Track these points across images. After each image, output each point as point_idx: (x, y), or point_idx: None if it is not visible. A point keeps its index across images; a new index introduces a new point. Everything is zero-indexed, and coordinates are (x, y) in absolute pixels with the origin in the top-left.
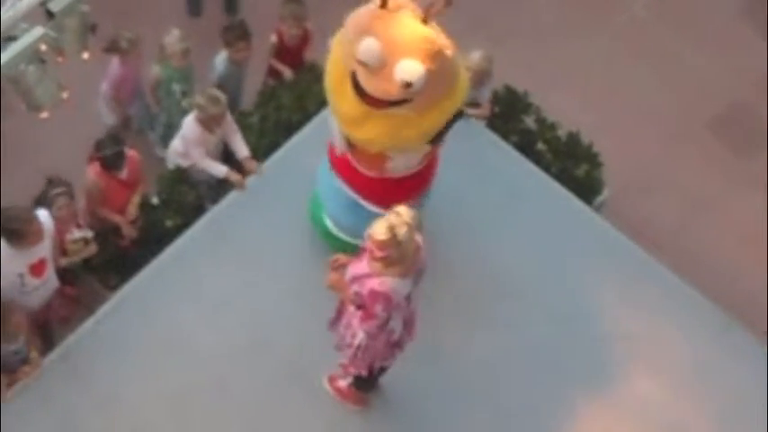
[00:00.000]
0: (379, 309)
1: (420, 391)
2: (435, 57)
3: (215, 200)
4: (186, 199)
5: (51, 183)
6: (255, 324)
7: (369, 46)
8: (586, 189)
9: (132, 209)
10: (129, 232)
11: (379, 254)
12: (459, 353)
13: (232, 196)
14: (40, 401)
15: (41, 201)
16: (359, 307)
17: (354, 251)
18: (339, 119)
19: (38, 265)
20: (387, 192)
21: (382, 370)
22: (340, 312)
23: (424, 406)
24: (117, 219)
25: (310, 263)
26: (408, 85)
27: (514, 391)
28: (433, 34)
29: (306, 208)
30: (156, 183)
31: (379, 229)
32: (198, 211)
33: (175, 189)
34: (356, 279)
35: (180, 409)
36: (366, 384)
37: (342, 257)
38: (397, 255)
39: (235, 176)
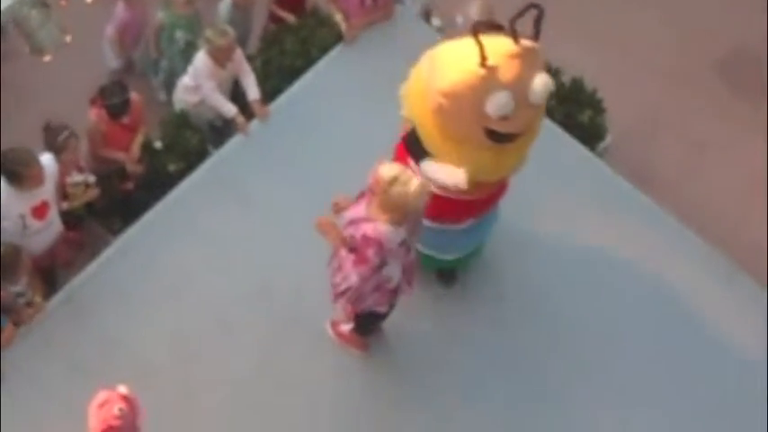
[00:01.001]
0: (371, 253)
1: (422, 336)
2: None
3: (218, 144)
4: (189, 143)
5: (49, 128)
6: (258, 268)
7: (500, 101)
8: (590, 135)
9: (135, 149)
10: (134, 169)
11: (378, 193)
12: (461, 298)
13: (235, 141)
14: (44, 344)
15: (52, 145)
16: (351, 250)
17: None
18: (470, 169)
19: (40, 208)
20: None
21: (383, 316)
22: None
23: (426, 351)
24: (120, 156)
25: (312, 208)
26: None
27: (518, 333)
28: (528, 42)
29: (307, 152)
30: (160, 127)
31: (387, 170)
32: (201, 155)
33: (179, 133)
34: (353, 222)
35: (183, 350)
36: (367, 329)
37: (342, 201)
38: (393, 204)
39: (241, 119)
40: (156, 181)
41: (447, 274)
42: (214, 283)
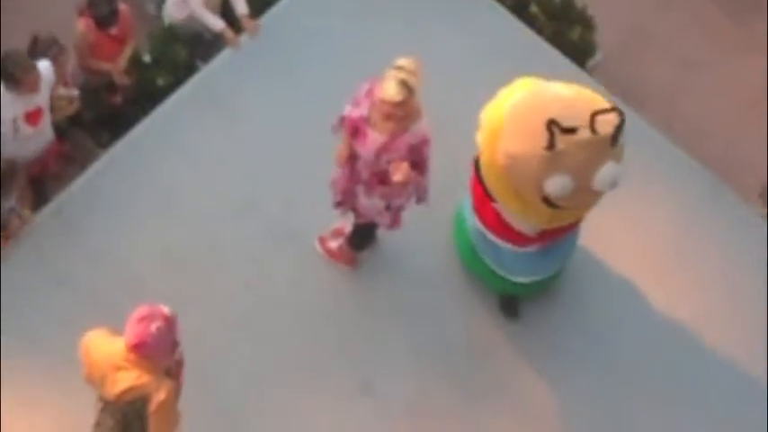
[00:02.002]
0: (428, 152)
1: (411, 249)
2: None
3: (207, 59)
4: (178, 57)
5: (38, 42)
6: (246, 183)
7: (559, 184)
8: (580, 52)
9: (123, 60)
10: (121, 80)
11: (400, 113)
12: (451, 212)
13: (224, 55)
14: (33, 256)
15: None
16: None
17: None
18: (524, 216)
19: (34, 114)
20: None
21: (375, 226)
22: (350, 191)
23: (416, 265)
24: (107, 67)
25: (302, 123)
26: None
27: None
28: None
29: (297, 67)
30: (148, 40)
31: (392, 90)
32: (190, 69)
33: (167, 47)
34: (382, 151)
35: (171, 264)
36: (365, 243)
37: (343, 152)
38: (412, 106)
39: (230, 33)
40: (144, 95)
41: (508, 304)
42: (202, 198)
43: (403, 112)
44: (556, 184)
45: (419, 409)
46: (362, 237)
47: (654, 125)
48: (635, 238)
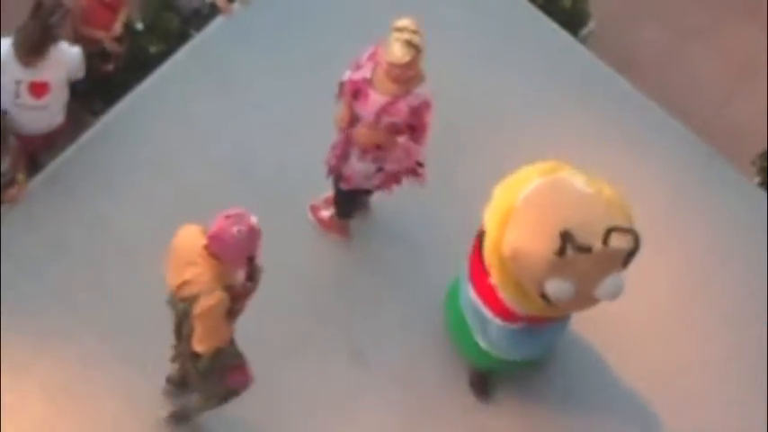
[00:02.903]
0: (429, 117)
1: (406, 220)
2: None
3: (199, 26)
4: (171, 25)
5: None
6: (239, 151)
7: (560, 288)
8: (573, 20)
9: (117, 27)
10: (114, 48)
11: (410, 72)
12: (443, 183)
13: (217, 23)
14: (26, 224)
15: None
16: (399, 132)
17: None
18: (524, 308)
19: (39, 86)
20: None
21: (368, 192)
22: (344, 154)
23: (411, 234)
24: (100, 35)
25: (295, 90)
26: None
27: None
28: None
29: (290, 35)
30: (141, 8)
31: (399, 52)
32: (182, 37)
33: (160, 15)
34: (383, 112)
35: (164, 232)
36: (349, 210)
37: (345, 112)
38: (419, 65)
39: (222, 2)
40: (136, 62)
41: (479, 383)
42: (195, 166)
43: (412, 72)
44: (557, 288)
45: (410, 379)
46: (345, 203)
47: (647, 93)
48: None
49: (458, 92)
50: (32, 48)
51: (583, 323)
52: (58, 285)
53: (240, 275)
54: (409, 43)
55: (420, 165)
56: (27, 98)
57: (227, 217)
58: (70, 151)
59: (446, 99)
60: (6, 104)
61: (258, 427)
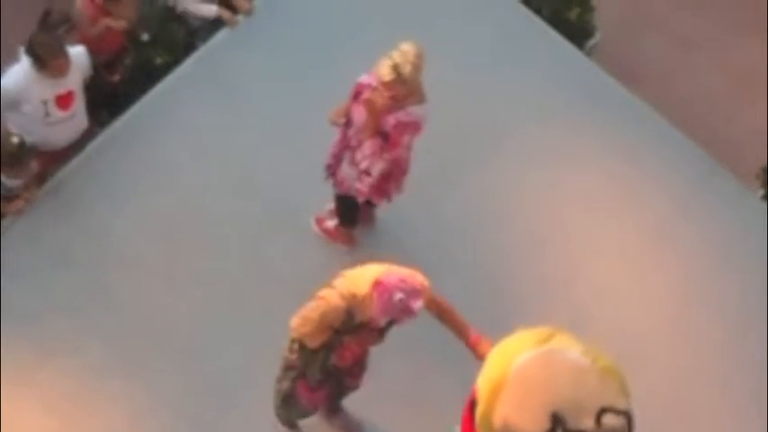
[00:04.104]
0: (406, 139)
1: (411, 228)
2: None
3: (205, 38)
4: (176, 36)
5: (49, 17)
6: (244, 162)
7: None
8: (578, 33)
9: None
10: (120, 25)
11: (387, 93)
12: (451, 190)
13: (222, 35)
14: (30, 234)
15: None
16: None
17: None
18: None
19: (65, 97)
20: None
21: (371, 204)
22: (338, 156)
23: (415, 244)
24: (107, 22)
25: (300, 102)
26: None
27: (509, 229)
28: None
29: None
30: (146, 19)
31: (384, 70)
32: (188, 48)
33: (166, 26)
34: None
35: (169, 243)
36: (351, 218)
37: (342, 108)
38: (406, 90)
39: (226, 13)
40: (142, 73)
41: None
42: (200, 177)
43: (391, 93)
44: None
45: (415, 389)
46: (346, 210)
47: (651, 105)
48: (631, 218)
49: (462, 103)
50: (59, 56)
51: (581, 333)
52: (61, 296)
53: (369, 327)
54: (395, 66)
55: (367, 173)
56: (56, 113)
57: (403, 281)
58: (75, 162)
59: (452, 109)
60: (35, 128)
61: None
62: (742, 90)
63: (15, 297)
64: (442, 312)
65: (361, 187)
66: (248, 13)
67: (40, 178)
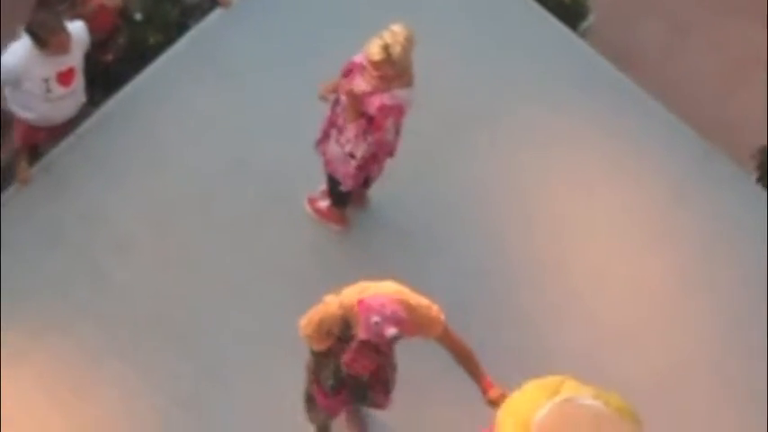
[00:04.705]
0: (389, 122)
1: (404, 210)
2: None
3: (199, 18)
4: (169, 16)
5: None
6: (237, 143)
7: None
8: (572, 14)
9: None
10: (112, 2)
11: (375, 73)
12: (445, 172)
13: (216, 15)
14: (23, 214)
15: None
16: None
17: None
18: None
19: (66, 74)
20: None
21: (365, 182)
22: (326, 132)
23: (408, 225)
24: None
25: (293, 84)
26: None
27: (503, 212)
28: None
29: (291, 27)
30: None
31: (374, 49)
32: (181, 28)
33: (159, 5)
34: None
35: (161, 223)
36: (343, 198)
37: (332, 83)
38: (395, 71)
39: None
40: (135, 53)
41: None
42: (193, 157)
43: (379, 73)
44: None
45: (409, 373)
46: (337, 190)
47: (646, 88)
48: (625, 202)
49: (456, 85)
50: (59, 33)
51: (579, 321)
52: (55, 275)
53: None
54: (385, 47)
55: (351, 156)
56: (58, 90)
57: (383, 306)
58: (68, 141)
59: (444, 92)
60: (36, 104)
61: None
62: (737, 73)
63: (8, 276)
64: (455, 350)
65: (347, 172)
66: None
67: (33, 155)
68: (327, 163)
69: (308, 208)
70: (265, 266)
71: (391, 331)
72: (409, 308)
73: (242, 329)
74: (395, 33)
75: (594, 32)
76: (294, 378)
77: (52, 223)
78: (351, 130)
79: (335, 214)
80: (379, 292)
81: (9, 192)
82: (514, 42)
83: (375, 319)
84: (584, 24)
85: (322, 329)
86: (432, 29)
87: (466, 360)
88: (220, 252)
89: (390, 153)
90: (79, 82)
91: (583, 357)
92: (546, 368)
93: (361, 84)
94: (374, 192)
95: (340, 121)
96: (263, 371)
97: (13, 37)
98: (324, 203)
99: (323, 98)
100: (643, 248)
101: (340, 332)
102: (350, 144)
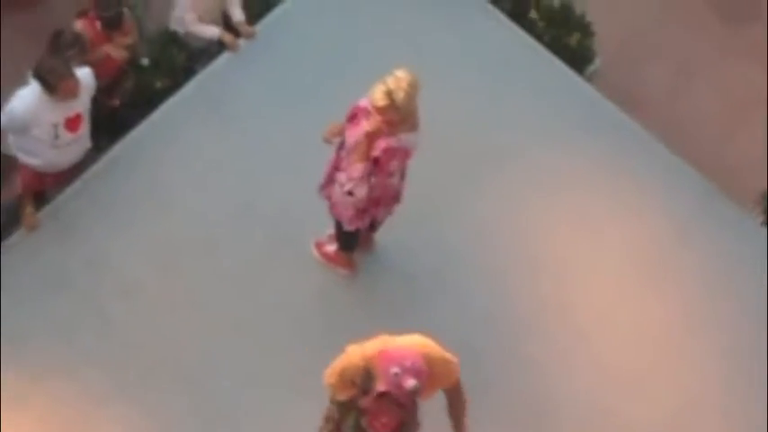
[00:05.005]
0: (394, 164)
1: (411, 253)
2: None
3: (205, 63)
4: (176, 60)
5: (60, 37)
6: (244, 187)
7: None
8: (578, 58)
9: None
10: (119, 55)
11: (379, 118)
12: (450, 215)
13: (223, 59)
14: (27, 257)
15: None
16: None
17: None
18: None
19: (74, 120)
20: None
21: (372, 226)
22: (330, 176)
23: (415, 269)
24: (105, 49)
25: (298, 127)
26: None
27: (508, 254)
28: None
29: (297, 72)
30: (146, 43)
31: (377, 95)
32: (188, 72)
33: (165, 50)
34: (363, 138)
35: (167, 267)
36: (350, 243)
37: (333, 128)
38: (399, 116)
39: (228, 37)
40: (142, 98)
41: None
42: (199, 202)
43: (384, 118)
44: None
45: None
46: (345, 234)
47: (650, 131)
48: (630, 243)
49: (463, 127)
50: (68, 78)
51: (586, 363)
52: (60, 320)
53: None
54: (388, 92)
55: (350, 194)
56: (66, 136)
57: (404, 358)
58: (74, 187)
59: (450, 135)
60: (43, 151)
61: None
62: (738, 113)
63: (12, 319)
64: (455, 400)
65: (346, 213)
66: (248, 36)
67: (39, 200)
68: (333, 206)
69: (315, 252)
70: (272, 310)
71: (410, 383)
72: (431, 361)
73: (249, 372)
74: (398, 79)
75: (600, 76)
76: (301, 419)
77: (57, 267)
78: (356, 170)
79: (343, 258)
80: (403, 345)
81: (14, 237)
82: (521, 85)
83: (395, 370)
84: (591, 68)
85: (345, 379)
86: (438, 72)
87: (459, 411)
88: (227, 295)
89: (396, 198)
90: (86, 128)
91: (589, 401)
92: (552, 411)
93: (366, 128)
94: (380, 235)
95: (343, 165)
96: (269, 413)
97: (21, 81)
98: (331, 247)
99: (327, 141)
100: (647, 289)
101: (362, 383)
102: (351, 183)
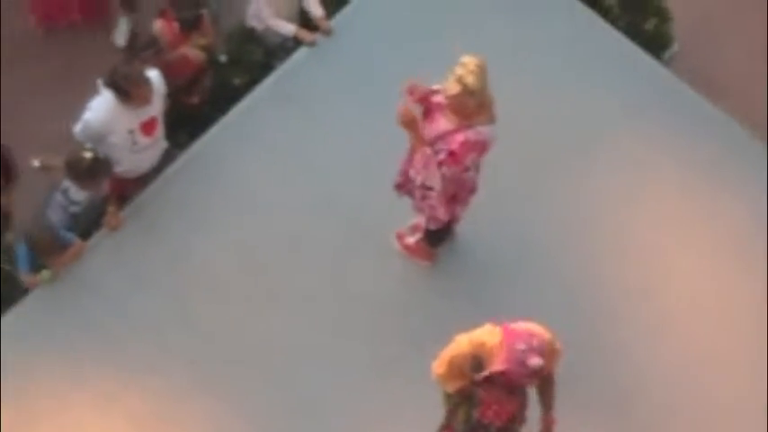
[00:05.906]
0: (470, 158)
1: (491, 243)
2: None
3: (283, 58)
4: (254, 57)
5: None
6: (323, 181)
7: None
8: (655, 43)
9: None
10: (196, 56)
11: (465, 106)
12: (530, 206)
13: (299, 54)
14: (111, 257)
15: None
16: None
17: None
18: None
19: (149, 124)
20: None
21: (451, 223)
22: (405, 173)
23: (495, 258)
24: (182, 50)
25: (376, 119)
26: None
27: (592, 242)
28: None
29: (373, 66)
30: (224, 40)
31: (449, 85)
32: (266, 68)
33: (243, 47)
34: (440, 137)
35: (249, 263)
36: (437, 239)
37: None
38: (475, 103)
39: (304, 33)
40: (221, 95)
41: None
42: (279, 197)
43: (458, 106)
44: None
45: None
46: (436, 232)
47: (732, 115)
48: (709, 230)
49: (542, 116)
50: (141, 85)
51: (670, 346)
52: (143, 318)
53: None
54: (459, 79)
55: (428, 188)
56: (142, 140)
57: (530, 335)
58: (155, 184)
59: (531, 124)
60: (122, 157)
61: None
62: None
63: (99, 319)
64: (547, 380)
65: (439, 209)
66: (326, 32)
67: (121, 201)
68: (419, 210)
69: (396, 244)
70: (354, 302)
71: (536, 361)
72: (548, 347)
73: (333, 365)
74: (465, 64)
75: (679, 60)
76: (386, 410)
77: (141, 266)
78: (418, 161)
79: (424, 250)
80: (529, 325)
81: (96, 237)
82: (599, 72)
83: (521, 346)
84: (668, 53)
85: (453, 368)
86: (514, 61)
87: (550, 398)
88: (309, 289)
89: (472, 190)
90: (161, 131)
91: (679, 385)
92: (641, 397)
93: (444, 123)
94: (460, 226)
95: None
96: (354, 404)
97: (94, 91)
98: (412, 239)
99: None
100: (733, 273)
101: (472, 369)
102: (420, 175)
